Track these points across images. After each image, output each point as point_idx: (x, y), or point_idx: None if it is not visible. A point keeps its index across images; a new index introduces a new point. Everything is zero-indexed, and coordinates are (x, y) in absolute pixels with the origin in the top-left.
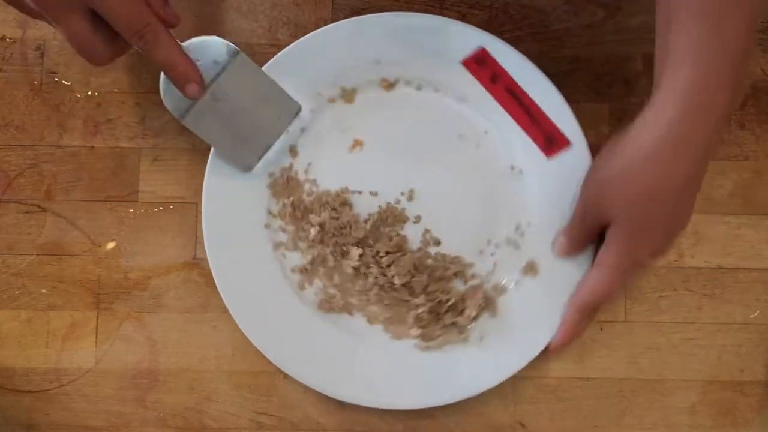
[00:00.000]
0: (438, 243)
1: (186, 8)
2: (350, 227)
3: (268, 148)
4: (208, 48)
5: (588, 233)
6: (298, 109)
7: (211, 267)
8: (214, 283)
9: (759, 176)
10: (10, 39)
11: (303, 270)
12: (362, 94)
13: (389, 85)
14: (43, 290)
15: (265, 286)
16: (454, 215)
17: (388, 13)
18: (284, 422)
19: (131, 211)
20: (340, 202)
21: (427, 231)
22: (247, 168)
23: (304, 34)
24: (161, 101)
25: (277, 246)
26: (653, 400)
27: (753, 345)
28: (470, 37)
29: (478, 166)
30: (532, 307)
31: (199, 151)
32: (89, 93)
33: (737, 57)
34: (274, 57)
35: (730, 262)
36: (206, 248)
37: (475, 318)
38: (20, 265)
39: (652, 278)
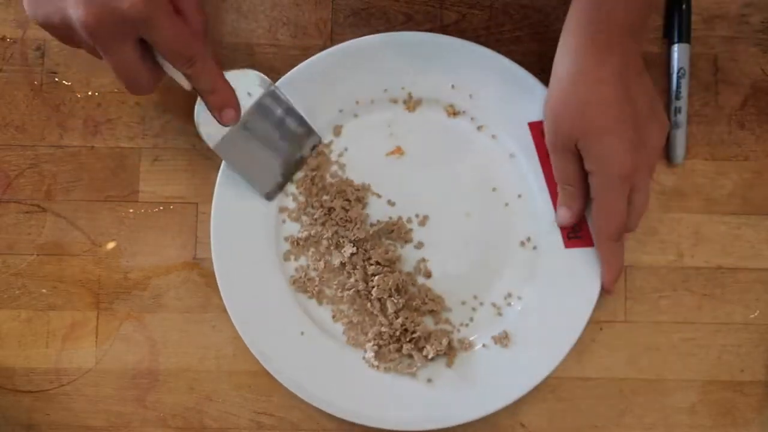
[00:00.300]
0: (428, 275)
1: None
2: (355, 224)
3: (290, 177)
4: (244, 79)
5: (567, 164)
6: (319, 141)
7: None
8: (214, 283)
9: (759, 176)
10: (10, 39)
11: (295, 242)
12: (425, 108)
13: (453, 113)
14: (43, 290)
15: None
16: (455, 259)
17: (485, 49)
18: (284, 422)
19: (131, 211)
20: (357, 196)
21: (423, 260)
22: (269, 196)
23: (304, 34)
24: (162, 101)
25: (281, 210)
26: (653, 400)
27: (753, 345)
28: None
29: (496, 224)
30: (488, 372)
31: (199, 151)
32: (89, 93)
33: None
34: (378, 36)
35: (730, 262)
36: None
37: (431, 359)
38: (20, 265)
39: (652, 278)
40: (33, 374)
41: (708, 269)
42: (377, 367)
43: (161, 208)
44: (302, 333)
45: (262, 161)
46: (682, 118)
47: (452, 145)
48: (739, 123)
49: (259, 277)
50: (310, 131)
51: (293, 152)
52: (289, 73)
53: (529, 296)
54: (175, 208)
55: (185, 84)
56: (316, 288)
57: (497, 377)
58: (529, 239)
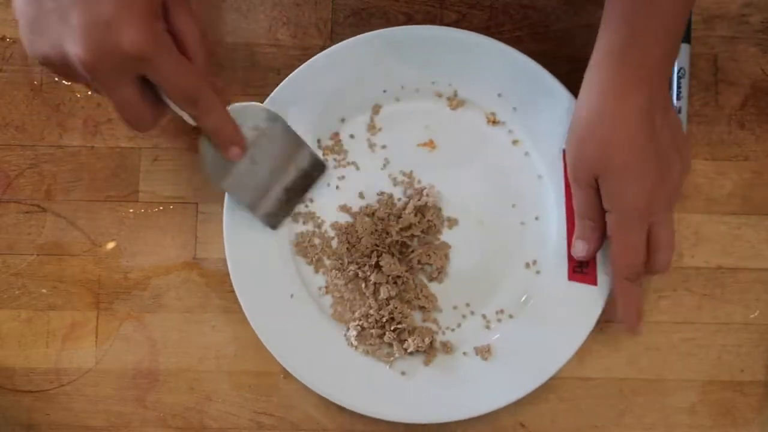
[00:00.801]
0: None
1: None
2: (390, 202)
3: (296, 206)
4: (249, 113)
5: (587, 199)
6: (324, 170)
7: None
8: (214, 283)
9: (759, 176)
10: (10, 39)
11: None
12: (467, 110)
13: (493, 121)
14: (43, 290)
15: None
16: (457, 263)
17: (541, 68)
18: (284, 422)
19: (131, 211)
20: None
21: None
22: (274, 226)
23: (304, 34)
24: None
25: None
26: (653, 400)
27: (753, 345)
28: None
29: (507, 239)
30: (463, 379)
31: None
32: (89, 93)
33: (666, 13)
34: (438, 28)
35: (730, 262)
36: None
37: (409, 353)
38: (20, 265)
39: (652, 278)
40: (33, 374)
41: (708, 269)
42: (356, 347)
43: (161, 208)
44: (292, 295)
45: (269, 193)
46: (681, 118)
47: (484, 151)
48: (739, 123)
49: (263, 232)
50: (316, 161)
51: (300, 180)
52: (343, 42)
53: (521, 317)
54: (175, 208)
55: (190, 120)
56: (316, 256)
57: (471, 387)
58: (535, 262)
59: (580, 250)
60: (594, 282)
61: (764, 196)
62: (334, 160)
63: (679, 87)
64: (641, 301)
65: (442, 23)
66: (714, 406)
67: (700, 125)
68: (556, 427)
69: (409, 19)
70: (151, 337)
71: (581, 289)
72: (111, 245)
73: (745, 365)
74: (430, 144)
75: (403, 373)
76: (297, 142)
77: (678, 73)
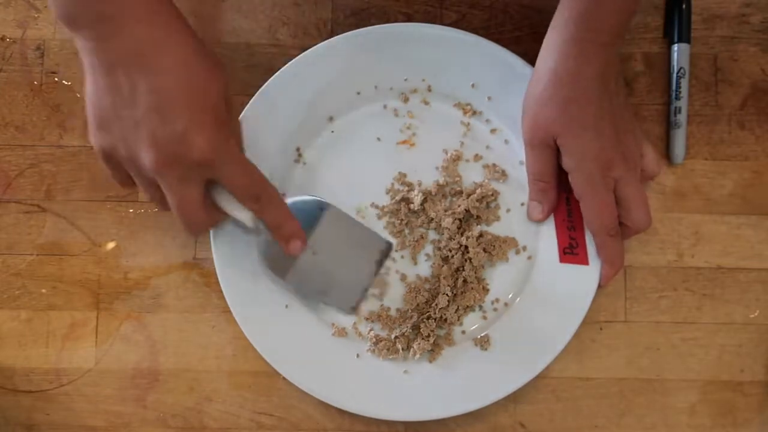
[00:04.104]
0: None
1: (186, 8)
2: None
3: (367, 288)
4: (303, 206)
5: (542, 159)
6: (389, 246)
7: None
8: (214, 283)
9: (759, 176)
10: (10, 39)
11: None
12: (441, 103)
13: (470, 112)
14: (43, 290)
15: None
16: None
17: (509, 53)
18: (284, 422)
19: (131, 211)
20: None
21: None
22: (351, 310)
23: (304, 34)
24: None
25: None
26: (653, 400)
27: (753, 345)
28: None
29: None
30: (465, 372)
31: None
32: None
33: None
34: (406, 25)
35: (730, 262)
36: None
37: (412, 353)
38: (20, 265)
39: (652, 278)
40: (33, 374)
41: (708, 269)
42: (372, 351)
43: None
44: (287, 306)
45: (337, 281)
46: (682, 118)
47: (463, 143)
48: (739, 123)
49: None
50: (376, 237)
51: (364, 261)
52: (313, 48)
53: (517, 305)
54: None
55: (248, 221)
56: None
57: (472, 379)
58: (525, 248)
59: (536, 211)
60: (586, 262)
61: (764, 196)
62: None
63: (679, 87)
64: (622, 254)
65: (442, 23)
66: (714, 406)
67: (700, 125)
68: (556, 427)
69: (409, 19)
70: (151, 337)
71: (574, 270)
72: (111, 245)
73: (745, 365)
74: (409, 141)
75: (405, 372)
76: (354, 225)
77: (678, 73)
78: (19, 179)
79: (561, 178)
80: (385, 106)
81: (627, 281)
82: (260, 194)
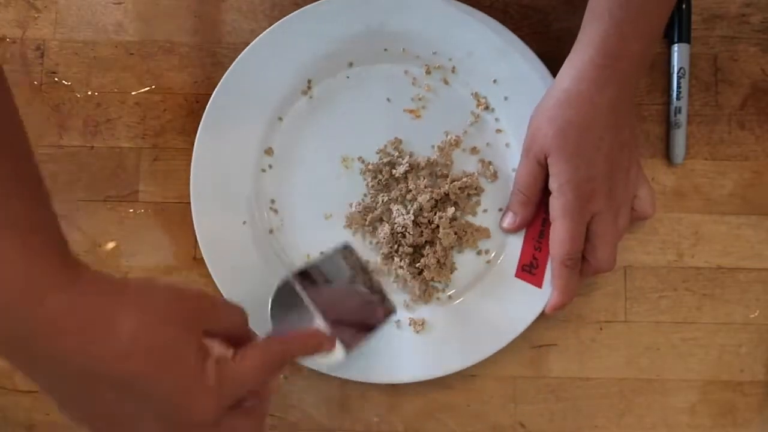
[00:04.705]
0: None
1: (186, 8)
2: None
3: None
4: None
5: (531, 173)
6: (394, 310)
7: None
8: (214, 283)
9: (759, 176)
10: (10, 39)
11: None
12: (460, 87)
13: (484, 106)
14: None
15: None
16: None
17: (541, 65)
18: (284, 422)
19: (131, 211)
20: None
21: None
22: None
23: None
24: (161, 101)
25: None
26: (653, 400)
27: (753, 345)
28: None
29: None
30: (392, 348)
31: None
32: (89, 93)
33: (650, 10)
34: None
35: (730, 262)
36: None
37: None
38: None
39: (652, 278)
40: None
41: (708, 269)
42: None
43: (161, 208)
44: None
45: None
46: (682, 118)
47: (467, 133)
48: (739, 123)
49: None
50: (387, 297)
51: (372, 317)
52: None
53: (461, 300)
54: (175, 208)
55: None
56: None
57: (398, 355)
58: (487, 251)
59: (508, 221)
60: (539, 285)
61: (764, 196)
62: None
63: (679, 87)
64: (575, 288)
65: None
66: (714, 406)
67: (700, 125)
68: (556, 427)
69: None
70: None
71: (525, 288)
72: (111, 245)
73: (745, 365)
74: (416, 112)
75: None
76: (371, 275)
77: (678, 73)
78: None
79: (546, 200)
80: (406, 72)
81: (627, 281)
82: (266, 381)
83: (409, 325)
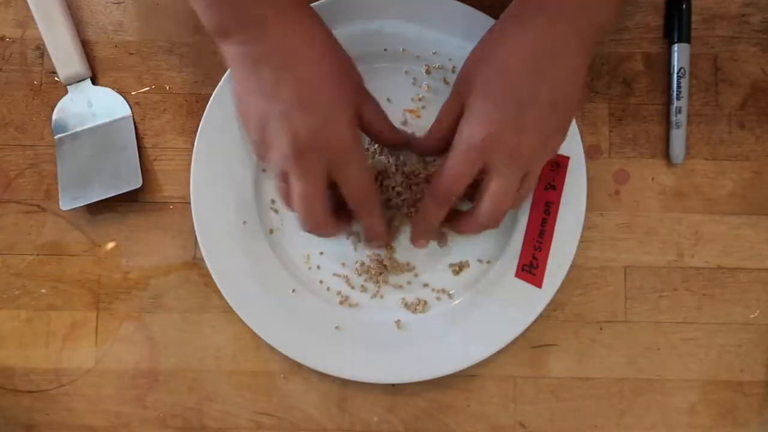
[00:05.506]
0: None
1: (186, 8)
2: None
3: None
4: None
5: (451, 109)
6: None
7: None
8: (214, 284)
9: (759, 176)
10: (10, 39)
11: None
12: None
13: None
14: (43, 290)
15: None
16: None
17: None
18: (284, 422)
19: (131, 211)
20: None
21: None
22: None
23: None
24: (161, 101)
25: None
26: (653, 400)
27: (753, 345)
28: None
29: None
30: (374, 343)
31: None
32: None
33: None
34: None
35: (730, 262)
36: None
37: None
38: (20, 265)
39: (652, 278)
40: (33, 374)
41: (708, 269)
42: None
43: (161, 208)
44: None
45: None
46: (682, 118)
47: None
48: (739, 123)
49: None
50: None
51: None
52: None
53: (462, 300)
54: (175, 208)
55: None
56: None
57: (398, 355)
58: (489, 261)
59: (422, 142)
60: (539, 285)
61: (764, 196)
62: None
63: (679, 87)
64: (433, 228)
65: None
66: (714, 406)
67: (700, 125)
68: (556, 427)
69: None
70: (151, 337)
71: (524, 288)
72: (111, 245)
73: (745, 365)
74: (416, 113)
75: (337, 328)
76: None
77: (678, 73)
78: (19, 179)
79: (541, 194)
80: (406, 72)
81: (627, 281)
82: (365, 198)
83: (409, 324)
